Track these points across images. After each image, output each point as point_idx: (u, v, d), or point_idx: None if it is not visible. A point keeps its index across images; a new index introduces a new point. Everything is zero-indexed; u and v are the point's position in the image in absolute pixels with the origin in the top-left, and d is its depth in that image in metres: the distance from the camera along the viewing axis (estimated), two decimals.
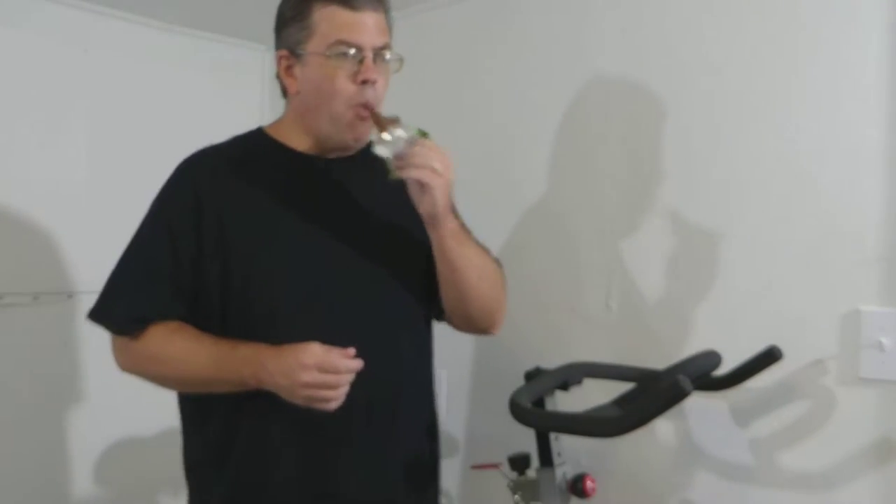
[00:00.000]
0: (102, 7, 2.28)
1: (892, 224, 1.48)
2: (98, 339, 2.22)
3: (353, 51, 1.31)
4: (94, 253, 2.24)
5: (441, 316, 1.51)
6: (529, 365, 1.63)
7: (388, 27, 1.37)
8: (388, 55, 1.35)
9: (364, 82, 1.31)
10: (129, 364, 1.39)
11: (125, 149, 2.34)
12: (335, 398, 1.23)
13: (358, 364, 1.24)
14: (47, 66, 2.19)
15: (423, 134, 1.27)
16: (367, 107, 1.33)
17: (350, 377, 1.23)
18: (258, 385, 1.26)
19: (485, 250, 1.44)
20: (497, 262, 1.48)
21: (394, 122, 1.28)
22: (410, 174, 1.25)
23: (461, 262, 1.36)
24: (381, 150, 1.26)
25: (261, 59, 2.72)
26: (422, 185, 1.25)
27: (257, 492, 1.34)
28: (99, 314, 1.37)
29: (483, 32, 2.14)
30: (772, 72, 1.62)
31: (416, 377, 1.47)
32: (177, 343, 1.33)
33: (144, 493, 2.38)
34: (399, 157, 1.25)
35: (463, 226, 1.40)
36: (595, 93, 1.90)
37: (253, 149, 1.43)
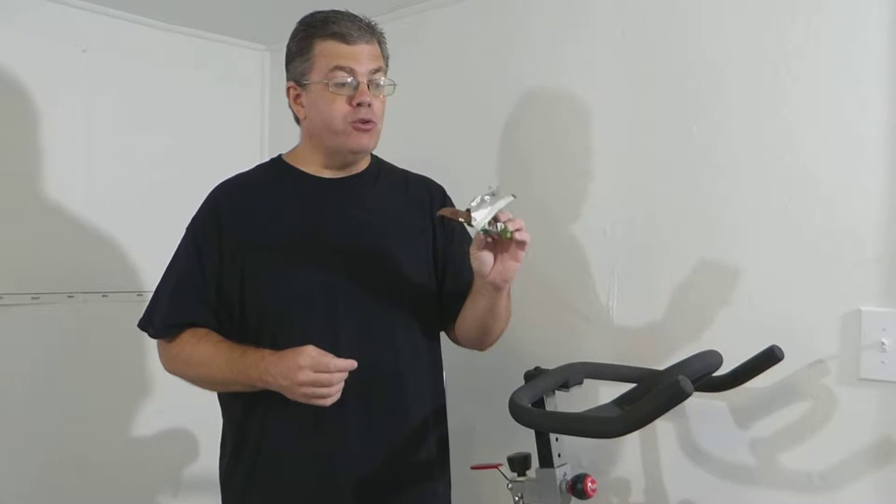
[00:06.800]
0: (101, 6, 2.28)
1: (893, 224, 1.47)
2: (97, 340, 2.25)
3: (349, 78, 1.46)
4: (94, 252, 2.25)
5: (443, 327, 1.63)
6: (529, 365, 1.63)
7: (382, 56, 1.54)
8: (381, 80, 1.51)
9: (359, 104, 1.47)
10: (169, 366, 1.56)
11: (124, 149, 2.34)
12: (330, 395, 1.37)
13: (349, 364, 1.37)
14: (45, 66, 2.19)
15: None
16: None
17: (342, 375, 1.37)
18: (265, 387, 1.41)
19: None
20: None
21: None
22: (525, 237, 1.34)
23: (500, 310, 1.51)
24: (482, 211, 1.31)
25: (261, 59, 2.72)
26: (521, 249, 1.36)
27: (270, 482, 1.49)
28: (142, 323, 1.57)
29: (482, 31, 2.14)
30: (772, 71, 1.62)
31: (415, 378, 1.56)
32: (201, 349, 1.49)
33: (144, 493, 2.38)
34: (506, 217, 1.32)
35: None
36: (595, 92, 1.90)
37: (270, 173, 1.61)
